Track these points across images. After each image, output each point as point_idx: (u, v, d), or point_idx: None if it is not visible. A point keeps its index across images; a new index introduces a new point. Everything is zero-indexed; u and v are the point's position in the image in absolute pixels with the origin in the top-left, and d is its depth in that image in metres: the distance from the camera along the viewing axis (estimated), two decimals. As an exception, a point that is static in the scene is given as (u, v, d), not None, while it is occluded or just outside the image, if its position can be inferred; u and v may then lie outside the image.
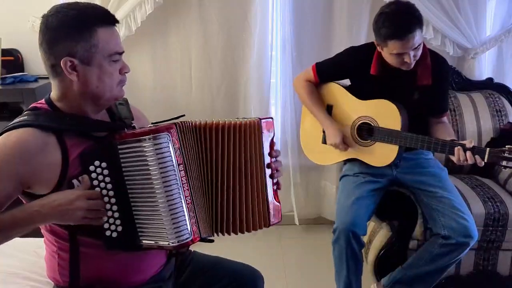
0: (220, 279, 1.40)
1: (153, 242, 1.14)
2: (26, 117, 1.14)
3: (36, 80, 2.45)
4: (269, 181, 1.25)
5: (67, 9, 1.12)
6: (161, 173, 1.09)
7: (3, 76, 2.41)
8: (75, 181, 1.13)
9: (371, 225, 2.23)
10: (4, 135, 1.11)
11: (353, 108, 2.00)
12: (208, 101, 2.69)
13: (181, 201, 1.11)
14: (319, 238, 2.73)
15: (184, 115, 1.26)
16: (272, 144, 1.26)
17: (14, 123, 1.13)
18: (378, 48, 1.89)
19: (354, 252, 1.86)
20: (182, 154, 1.14)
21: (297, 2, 2.55)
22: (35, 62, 2.60)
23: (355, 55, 2.00)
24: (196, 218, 1.15)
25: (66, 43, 1.10)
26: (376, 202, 1.97)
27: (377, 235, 2.15)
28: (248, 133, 1.21)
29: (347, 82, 2.10)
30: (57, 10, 1.12)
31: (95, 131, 1.19)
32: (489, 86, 2.59)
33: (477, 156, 1.68)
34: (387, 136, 1.90)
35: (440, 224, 1.85)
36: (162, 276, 1.32)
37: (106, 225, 1.15)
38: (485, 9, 2.57)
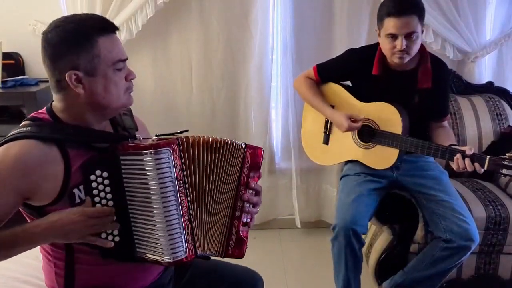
0: (220, 283, 1.40)
1: (148, 256, 1.13)
2: (27, 128, 1.12)
3: (36, 83, 2.45)
4: (237, 212, 1.22)
5: (65, 23, 1.11)
6: (160, 188, 1.08)
7: (4, 79, 2.40)
8: (76, 191, 1.12)
9: (372, 228, 2.23)
10: (4, 146, 1.09)
11: (355, 110, 2.00)
12: (208, 104, 2.69)
13: (178, 218, 1.10)
14: (320, 241, 2.73)
15: (187, 130, 1.24)
16: (249, 174, 1.23)
17: (15, 134, 1.10)
18: (378, 39, 1.89)
19: (354, 250, 1.85)
20: (183, 170, 1.13)
21: (298, 5, 2.56)
22: (36, 65, 2.60)
23: (357, 55, 2.01)
24: (193, 235, 1.14)
25: (68, 57, 1.09)
26: (377, 201, 1.96)
27: (378, 239, 2.15)
28: (227, 153, 1.20)
29: (348, 83, 2.11)
30: (56, 25, 1.11)
31: (98, 142, 1.18)
32: (489, 89, 2.60)
33: (476, 164, 1.68)
34: (387, 139, 1.90)
35: (441, 228, 1.85)
36: (162, 282, 1.31)
37: (103, 235, 1.13)
38: (485, 13, 2.58)
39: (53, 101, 1.19)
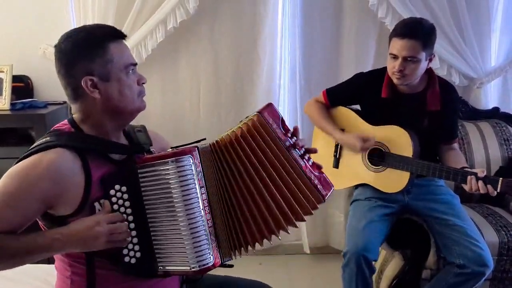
0: None
1: (172, 268, 1.12)
2: (50, 137, 1.14)
3: (45, 106, 2.46)
4: (300, 161, 1.18)
5: (77, 32, 1.16)
6: (183, 196, 1.08)
7: (13, 101, 2.41)
8: (96, 204, 1.12)
9: (383, 254, 2.20)
10: (35, 156, 1.09)
11: (365, 134, 2.00)
12: (216, 129, 2.69)
13: (203, 225, 1.10)
14: (327, 267, 2.69)
15: (205, 139, 1.24)
16: (283, 126, 1.20)
17: (40, 144, 1.11)
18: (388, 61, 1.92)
19: (365, 277, 1.82)
20: (204, 177, 1.13)
21: (306, 31, 2.60)
22: (45, 88, 2.61)
23: (365, 79, 2.04)
24: (217, 241, 1.14)
25: (83, 63, 1.12)
26: (388, 227, 1.94)
27: (389, 264, 2.12)
28: (257, 136, 1.16)
29: (357, 107, 2.12)
30: (68, 35, 1.16)
31: (117, 153, 1.20)
32: (495, 115, 2.61)
33: (489, 186, 1.67)
34: (398, 162, 1.90)
35: (454, 253, 1.82)
36: None
37: (125, 251, 1.13)
38: (490, 41, 2.62)
39: (72, 114, 1.21)
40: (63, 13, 2.51)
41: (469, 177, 1.70)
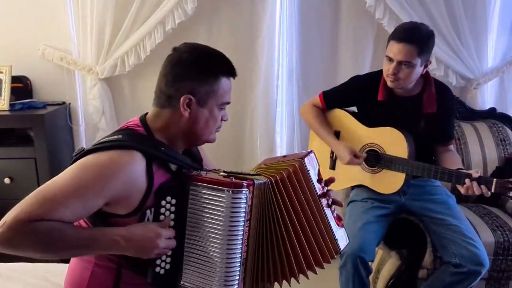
0: None
1: (193, 286, 1.14)
2: (124, 136, 1.14)
3: (44, 106, 2.47)
4: (328, 212, 1.25)
5: (202, 51, 1.20)
6: (230, 226, 1.09)
7: (12, 102, 2.42)
8: (148, 212, 1.13)
9: (380, 253, 2.21)
10: (111, 153, 1.09)
11: (360, 135, 2.02)
12: (214, 129, 2.71)
13: (239, 256, 1.12)
14: (324, 268, 2.68)
15: (260, 174, 1.23)
16: (319, 175, 1.27)
17: (114, 141, 1.11)
18: (384, 63, 1.93)
19: (362, 278, 1.83)
20: (251, 211, 1.15)
21: (304, 32, 2.61)
22: (44, 89, 2.63)
23: (362, 82, 2.04)
24: (245, 273, 1.15)
25: (193, 82, 1.16)
26: (385, 228, 1.96)
27: (386, 264, 2.13)
28: (295, 182, 1.21)
29: (353, 109, 2.13)
30: (193, 48, 1.19)
31: (179, 166, 1.20)
32: (492, 115, 2.63)
33: (483, 187, 1.68)
34: (394, 163, 1.91)
35: (450, 252, 1.84)
36: None
37: (158, 261, 1.14)
38: (486, 41, 2.63)
39: (147, 113, 1.22)
40: (62, 14, 2.52)
41: (466, 182, 1.71)
